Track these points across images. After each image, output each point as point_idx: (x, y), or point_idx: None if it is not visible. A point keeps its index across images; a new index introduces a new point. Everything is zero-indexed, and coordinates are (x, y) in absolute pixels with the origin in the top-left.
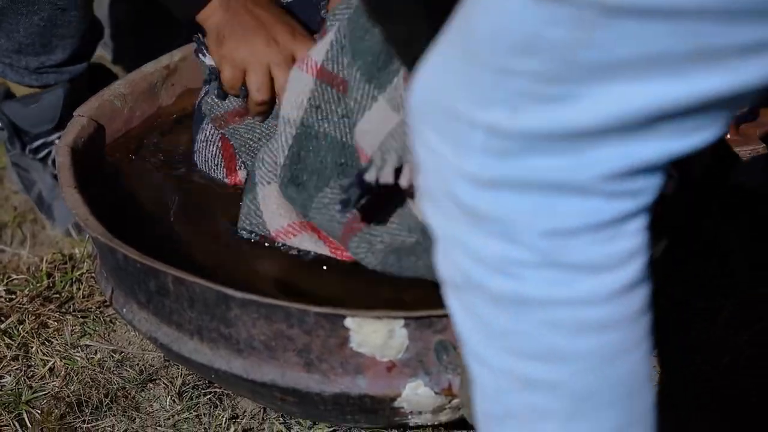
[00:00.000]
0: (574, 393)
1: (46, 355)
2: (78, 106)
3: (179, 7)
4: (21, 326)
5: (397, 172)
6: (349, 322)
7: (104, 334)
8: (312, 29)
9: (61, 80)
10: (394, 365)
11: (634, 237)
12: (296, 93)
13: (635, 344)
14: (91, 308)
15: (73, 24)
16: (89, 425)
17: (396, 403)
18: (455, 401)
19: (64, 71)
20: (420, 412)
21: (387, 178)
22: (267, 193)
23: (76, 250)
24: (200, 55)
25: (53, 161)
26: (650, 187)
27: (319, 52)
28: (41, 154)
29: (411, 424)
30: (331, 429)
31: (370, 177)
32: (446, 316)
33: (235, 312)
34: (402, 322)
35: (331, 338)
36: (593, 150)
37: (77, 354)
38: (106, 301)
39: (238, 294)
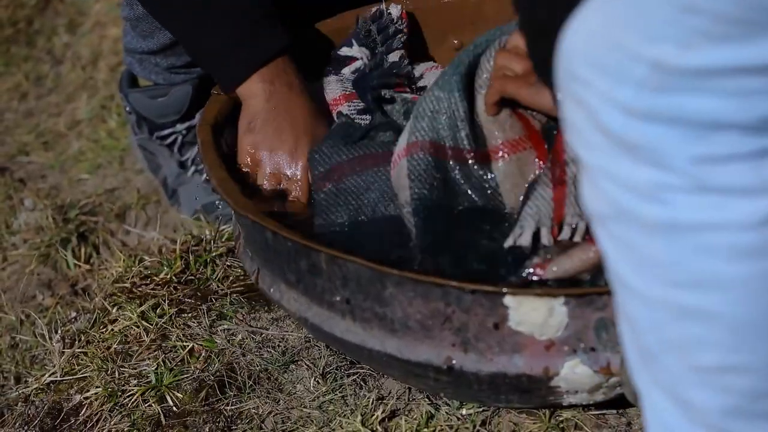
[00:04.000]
0: (732, 322)
1: (185, 339)
2: (206, 99)
3: (222, 77)
4: (158, 309)
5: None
6: (508, 300)
7: (243, 316)
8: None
9: (189, 79)
10: (552, 344)
11: None
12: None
13: None
14: (227, 291)
15: None
16: (233, 407)
17: (553, 383)
18: (612, 380)
19: (193, 71)
20: (576, 392)
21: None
22: None
23: (207, 232)
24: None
25: (179, 148)
26: None
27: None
28: (168, 141)
29: (565, 404)
30: (480, 408)
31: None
32: (607, 293)
33: (390, 291)
34: (562, 299)
35: (490, 317)
36: (758, 92)
37: (216, 337)
38: (241, 284)
39: (395, 272)
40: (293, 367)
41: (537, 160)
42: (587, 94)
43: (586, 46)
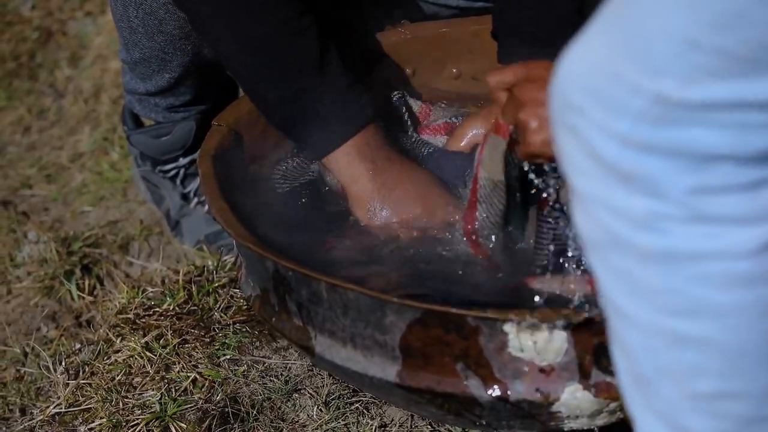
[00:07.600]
0: (727, 350)
1: (189, 369)
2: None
3: (312, 144)
4: (161, 340)
5: None
6: (507, 326)
7: (246, 346)
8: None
9: (190, 116)
10: (552, 369)
11: None
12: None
13: None
14: (229, 321)
15: (203, 76)
16: None
17: (553, 408)
18: (612, 405)
19: (193, 109)
20: (577, 417)
21: None
22: None
23: (209, 263)
24: None
25: (182, 180)
26: None
27: None
28: (170, 174)
29: (566, 429)
30: None
31: None
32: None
33: (390, 318)
34: (562, 325)
35: (490, 343)
36: (755, 126)
37: (220, 366)
38: (244, 313)
39: (395, 299)
40: (296, 395)
41: None
42: (582, 122)
43: (584, 74)
